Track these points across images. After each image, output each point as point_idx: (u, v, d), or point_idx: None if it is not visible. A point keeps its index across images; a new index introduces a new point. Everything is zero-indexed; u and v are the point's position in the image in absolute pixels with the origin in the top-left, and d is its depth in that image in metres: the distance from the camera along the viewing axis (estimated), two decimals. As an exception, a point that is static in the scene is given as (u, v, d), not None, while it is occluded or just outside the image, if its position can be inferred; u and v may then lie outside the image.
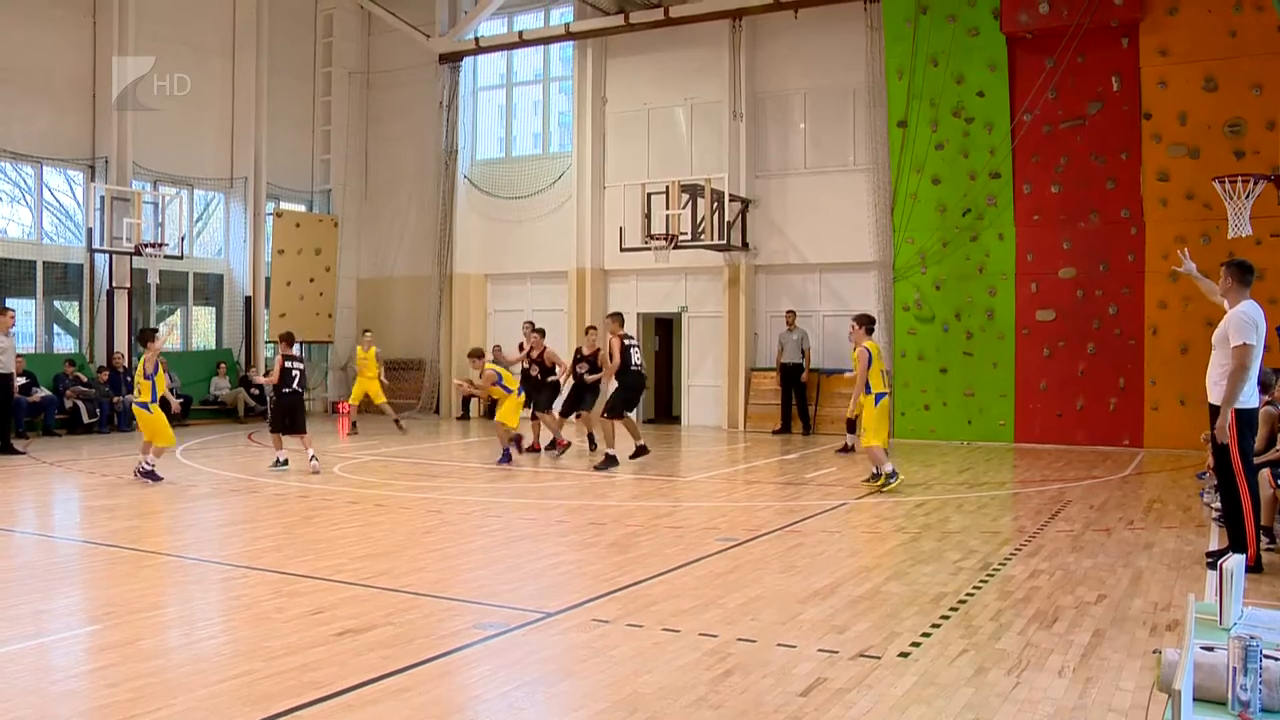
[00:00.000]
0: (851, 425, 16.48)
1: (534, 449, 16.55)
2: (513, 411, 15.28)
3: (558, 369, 16.64)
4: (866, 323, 12.97)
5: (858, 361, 12.66)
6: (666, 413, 24.10)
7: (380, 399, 19.95)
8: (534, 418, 16.74)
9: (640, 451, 15.47)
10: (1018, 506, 11.73)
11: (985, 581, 7.87)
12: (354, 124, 26.33)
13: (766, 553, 8.99)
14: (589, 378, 16.33)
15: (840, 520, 10.74)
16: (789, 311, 20.50)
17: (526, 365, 16.77)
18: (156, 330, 14.11)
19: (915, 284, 19.35)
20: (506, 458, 15.22)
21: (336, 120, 26.01)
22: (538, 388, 16.56)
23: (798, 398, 20.24)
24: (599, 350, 16.44)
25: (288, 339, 14.97)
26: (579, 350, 16.85)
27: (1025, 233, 18.58)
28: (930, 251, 19.21)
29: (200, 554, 8.99)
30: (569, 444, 16.76)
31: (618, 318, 15.53)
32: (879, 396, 12.58)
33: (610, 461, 14.73)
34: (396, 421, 19.90)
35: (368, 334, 20.89)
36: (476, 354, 16.03)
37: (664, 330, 24.34)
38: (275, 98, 24.45)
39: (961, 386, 18.84)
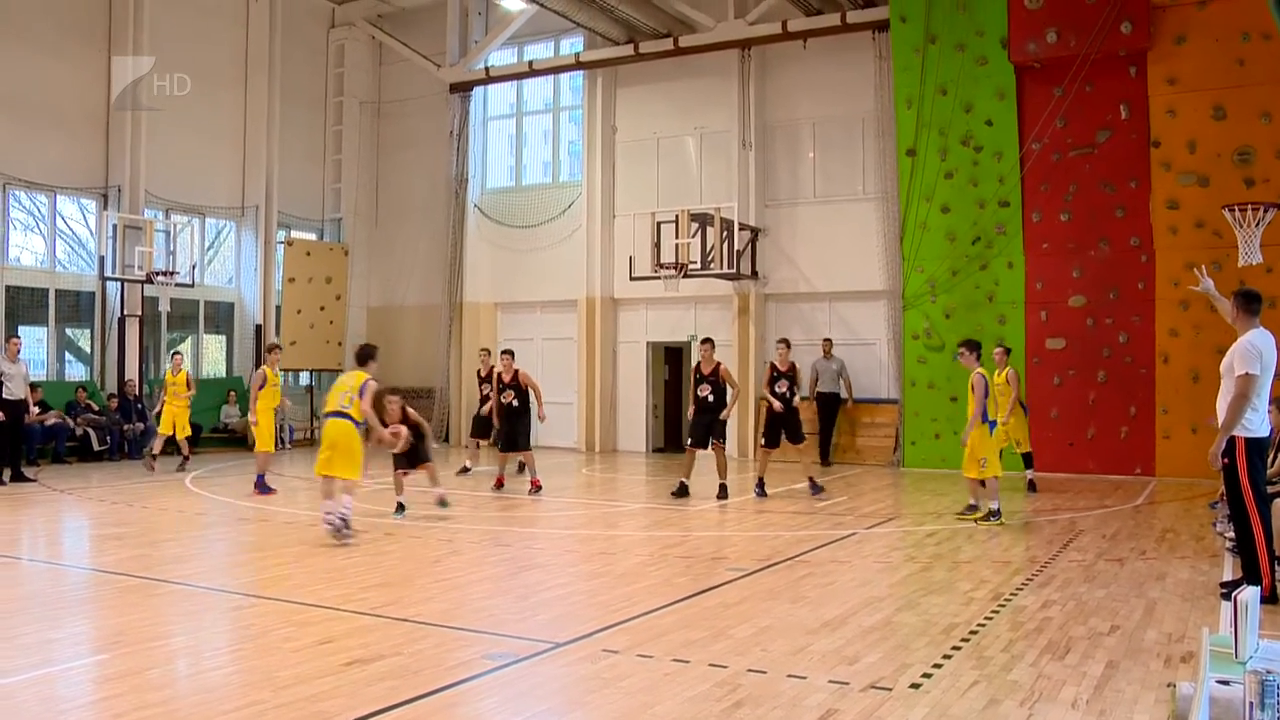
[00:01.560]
0: (1028, 459, 16.01)
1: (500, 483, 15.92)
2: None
3: (533, 396, 15.71)
4: (976, 348, 12.69)
5: (973, 388, 12.38)
6: (675, 442, 24.03)
7: (184, 432, 17.75)
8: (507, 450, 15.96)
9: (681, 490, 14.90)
10: (1029, 537, 11.66)
11: (997, 612, 7.82)
12: (365, 153, 26.49)
13: (776, 583, 8.95)
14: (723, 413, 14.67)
15: (851, 550, 10.69)
16: (825, 340, 20.27)
17: (496, 394, 15.86)
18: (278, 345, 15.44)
19: (925, 312, 19.34)
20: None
21: (347, 149, 26.16)
22: (518, 416, 15.67)
23: (823, 426, 19.94)
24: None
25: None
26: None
27: (1035, 261, 18.57)
28: (940, 280, 19.20)
29: (209, 583, 8.98)
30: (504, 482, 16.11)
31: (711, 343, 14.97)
32: (993, 425, 12.47)
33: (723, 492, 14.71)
34: (153, 458, 17.65)
35: (177, 355, 18.57)
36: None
37: (673, 359, 24.31)
38: (287, 127, 24.62)
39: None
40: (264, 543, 11.20)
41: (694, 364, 15.10)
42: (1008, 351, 15.91)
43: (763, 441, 15.11)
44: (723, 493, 14.75)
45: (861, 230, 20.46)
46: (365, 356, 11.74)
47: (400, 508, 12.95)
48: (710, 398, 14.66)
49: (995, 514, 12.43)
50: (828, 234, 21.07)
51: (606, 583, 9.06)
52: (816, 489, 15.12)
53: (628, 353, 23.49)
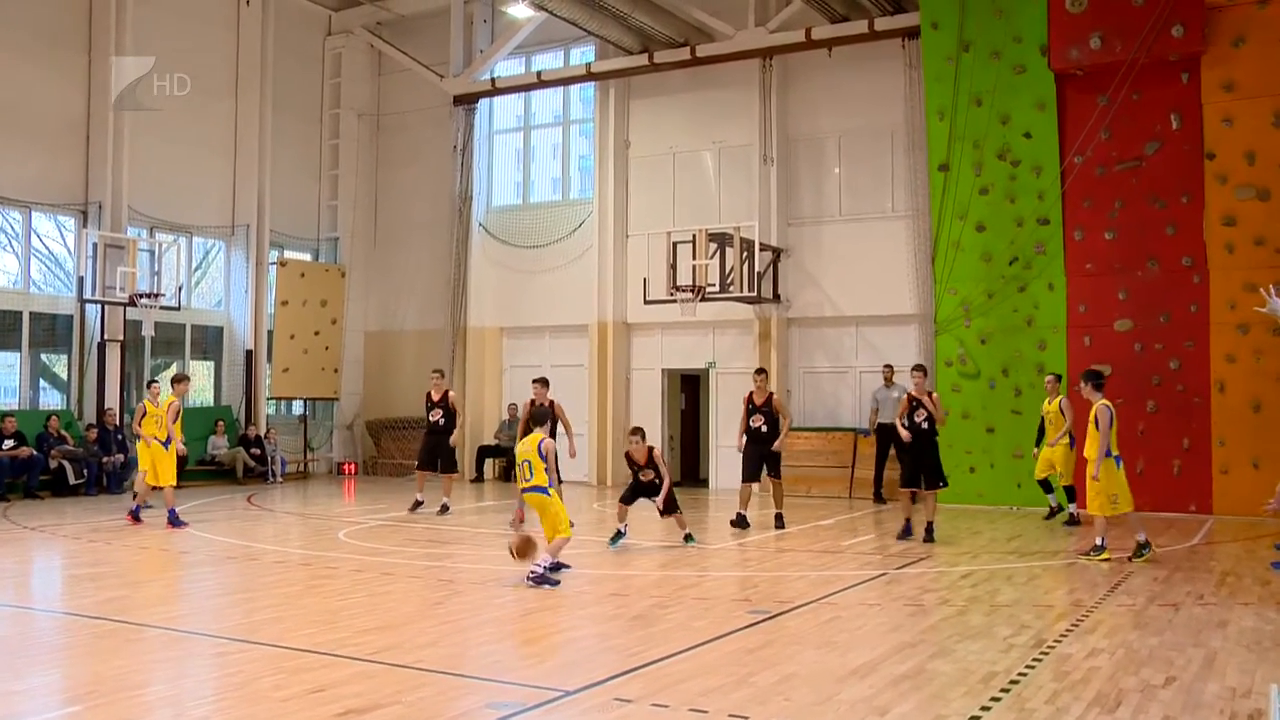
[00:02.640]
0: (1070, 492, 16.16)
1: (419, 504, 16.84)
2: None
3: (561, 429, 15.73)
4: (1095, 378, 12.64)
5: (1097, 422, 12.28)
6: (693, 475, 23.99)
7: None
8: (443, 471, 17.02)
9: (739, 522, 15.53)
10: (1073, 578, 11.56)
11: (1039, 660, 7.74)
12: (363, 169, 26.62)
13: (801, 626, 8.90)
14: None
15: (880, 592, 10.62)
16: (886, 366, 19.94)
17: (428, 411, 16.86)
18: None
19: (959, 337, 19.28)
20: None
21: (345, 165, 26.31)
22: (442, 434, 16.89)
23: (880, 461, 19.73)
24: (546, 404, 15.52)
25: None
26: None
27: (1077, 282, 18.50)
28: (975, 303, 19.15)
29: (193, 626, 8.96)
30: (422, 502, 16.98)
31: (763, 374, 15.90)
32: (1118, 459, 12.43)
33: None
34: (135, 511, 15.83)
35: (154, 384, 16.97)
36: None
37: (690, 388, 24.29)
38: (280, 140, 24.78)
39: (1010, 447, 18.66)
40: (252, 583, 11.17)
41: (747, 394, 15.76)
42: (1059, 379, 16.56)
43: (742, 476, 15.67)
44: (779, 522, 15.61)
45: (891, 250, 20.46)
46: (541, 419, 11.60)
47: (619, 535, 13.70)
48: (764, 428, 15.38)
49: (1145, 546, 12.43)
50: (854, 254, 21.07)
51: (619, 626, 9.02)
52: (779, 524, 15.72)
53: (642, 381, 23.49)
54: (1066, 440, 15.97)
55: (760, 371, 15.93)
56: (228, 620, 9.32)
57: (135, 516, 15.55)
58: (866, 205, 21.23)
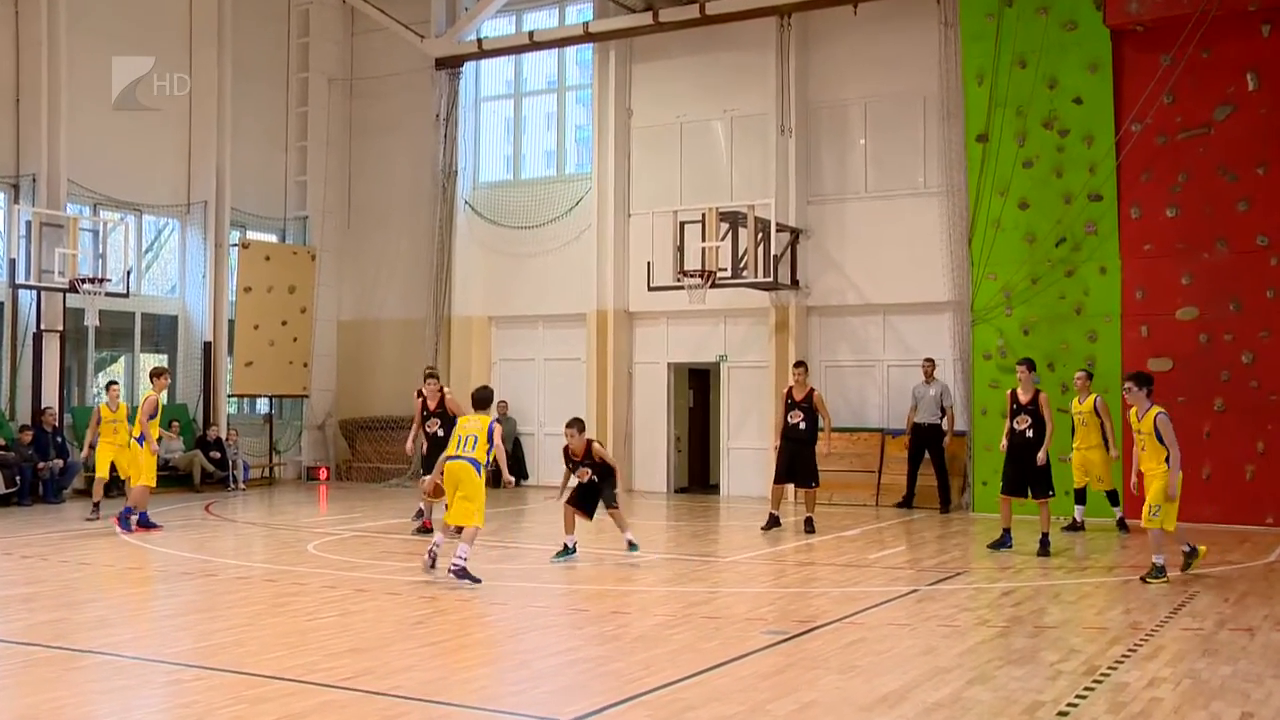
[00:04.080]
0: (1113, 496, 16.43)
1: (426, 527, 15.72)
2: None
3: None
4: (1146, 382, 12.67)
5: (1160, 430, 12.26)
6: (703, 481, 23.97)
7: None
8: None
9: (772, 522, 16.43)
10: (1130, 597, 11.53)
11: (1091, 690, 7.71)
12: (335, 139, 26.60)
13: (823, 649, 8.90)
14: None
15: (911, 610, 10.61)
16: (926, 360, 19.99)
17: (424, 422, 16.07)
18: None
19: (999, 328, 19.25)
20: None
21: (314, 135, 26.28)
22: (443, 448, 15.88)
23: (935, 466, 19.69)
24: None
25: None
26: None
27: (1134, 265, 18.43)
28: (1017, 289, 19.11)
29: (142, 651, 8.93)
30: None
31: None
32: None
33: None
34: (96, 507, 17.23)
35: (114, 385, 17.93)
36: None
37: (699, 383, 24.26)
38: (241, 107, 24.68)
39: (1056, 450, 18.53)
40: (210, 602, 11.17)
41: (786, 388, 16.45)
42: (1090, 376, 16.70)
43: (775, 475, 16.59)
44: (809, 526, 16.20)
45: (922, 231, 20.42)
46: (487, 400, 12.65)
47: (566, 550, 13.67)
48: (802, 424, 16.08)
49: (1192, 553, 12.53)
50: (882, 235, 21.05)
51: (620, 648, 9.01)
52: (810, 528, 16.22)
53: (645, 375, 23.48)
54: (1102, 444, 16.11)
55: (800, 365, 16.96)
56: (181, 644, 9.30)
57: (124, 524, 15.63)
58: (895, 180, 21.19)
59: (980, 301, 19.43)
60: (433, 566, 12.14)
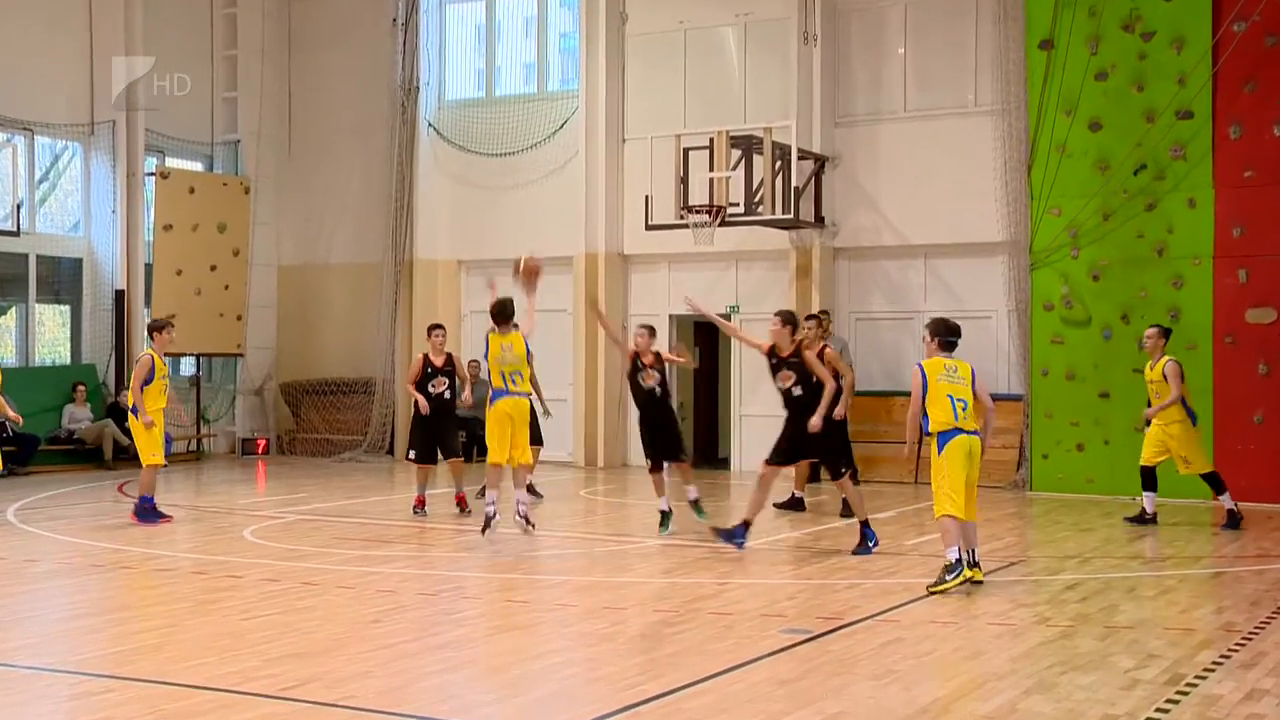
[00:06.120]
0: (1214, 481, 15.82)
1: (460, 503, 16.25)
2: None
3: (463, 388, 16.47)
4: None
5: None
6: (710, 454, 24.00)
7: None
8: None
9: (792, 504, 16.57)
10: (1221, 593, 11.57)
11: (1176, 702, 7.71)
12: (272, 49, 26.46)
13: (851, 651, 8.92)
14: None
15: (956, 606, 10.63)
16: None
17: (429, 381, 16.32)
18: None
19: (1063, 272, 19.21)
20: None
21: (245, 43, 26.12)
22: (450, 413, 16.52)
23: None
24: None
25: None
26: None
27: (1230, 197, 18.30)
28: (1085, 227, 19.07)
29: (41, 660, 8.91)
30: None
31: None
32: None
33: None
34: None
35: None
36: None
37: (707, 340, 24.24)
38: (155, 9, 24.49)
39: (1131, 418, 18.53)
40: (125, 600, 11.19)
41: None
42: (1165, 333, 15.82)
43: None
44: (847, 510, 15.55)
45: (972, 158, 20.37)
46: (509, 313, 14.40)
47: (665, 518, 14.59)
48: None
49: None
50: (924, 163, 21.03)
51: (614, 649, 9.05)
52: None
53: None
54: (1186, 417, 15.58)
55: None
56: (89, 649, 9.31)
57: (145, 516, 15.33)
58: (940, 97, 21.15)
59: (1041, 242, 19.38)
60: (529, 523, 13.84)
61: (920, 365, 11.77)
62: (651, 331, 15.28)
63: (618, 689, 7.86)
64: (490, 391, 14.05)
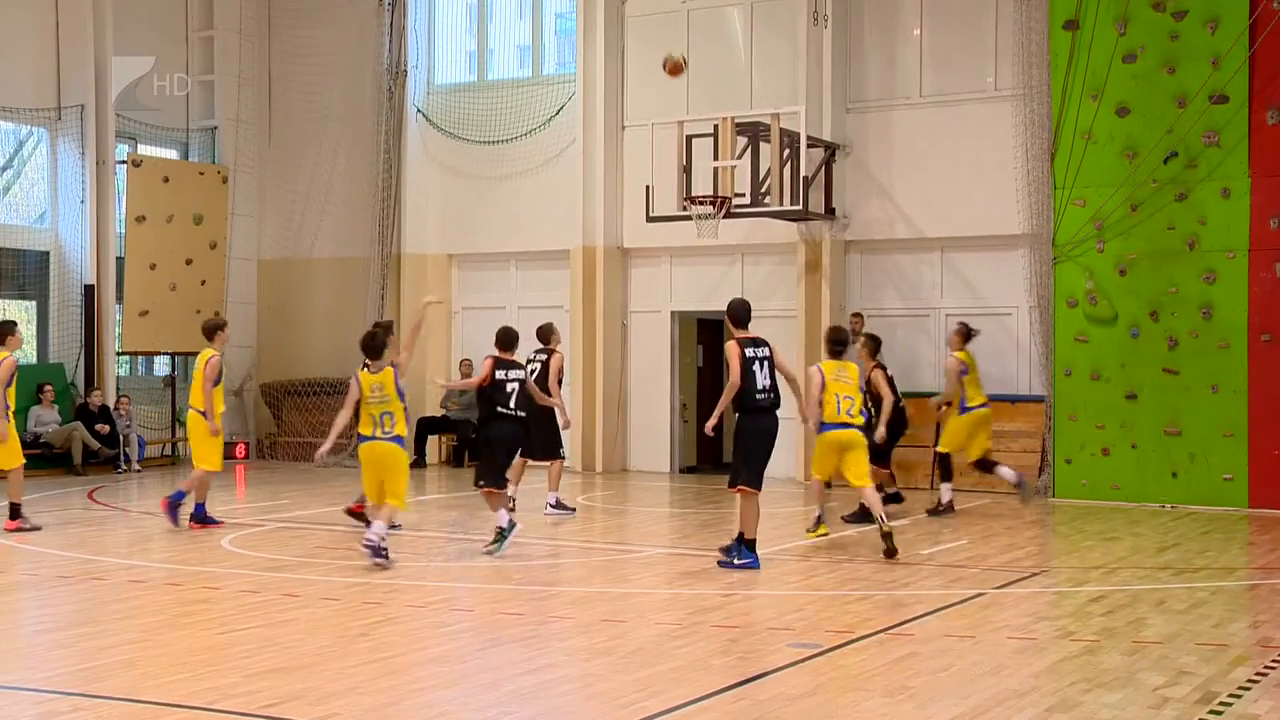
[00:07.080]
0: None
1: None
2: None
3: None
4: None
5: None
6: (714, 457, 23.98)
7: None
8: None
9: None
10: (1257, 607, 11.58)
11: (1207, 721, 7.76)
12: (251, 30, 26.45)
13: (864, 666, 8.96)
14: None
15: (974, 619, 10.67)
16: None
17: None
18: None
19: (1088, 266, 19.23)
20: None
21: (223, 23, 26.10)
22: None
23: None
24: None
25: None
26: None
27: (1267, 187, 18.28)
28: (1112, 218, 19.08)
29: (5, 677, 8.87)
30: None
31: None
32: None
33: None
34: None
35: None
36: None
37: (710, 336, 24.23)
38: (128, -14, 24.51)
39: (1161, 421, 18.64)
40: (95, 613, 11.18)
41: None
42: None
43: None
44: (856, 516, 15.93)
45: (991, 145, 20.41)
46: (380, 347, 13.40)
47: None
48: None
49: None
50: (940, 152, 21.06)
51: (612, 664, 9.06)
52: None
53: (644, 327, 23.56)
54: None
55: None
56: (56, 666, 9.29)
57: (175, 513, 15.49)
58: (958, 82, 21.17)
59: (1064, 234, 19.39)
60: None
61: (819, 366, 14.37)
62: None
63: (616, 706, 7.87)
64: (356, 436, 13.69)
